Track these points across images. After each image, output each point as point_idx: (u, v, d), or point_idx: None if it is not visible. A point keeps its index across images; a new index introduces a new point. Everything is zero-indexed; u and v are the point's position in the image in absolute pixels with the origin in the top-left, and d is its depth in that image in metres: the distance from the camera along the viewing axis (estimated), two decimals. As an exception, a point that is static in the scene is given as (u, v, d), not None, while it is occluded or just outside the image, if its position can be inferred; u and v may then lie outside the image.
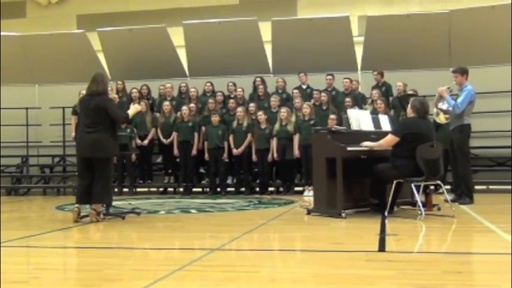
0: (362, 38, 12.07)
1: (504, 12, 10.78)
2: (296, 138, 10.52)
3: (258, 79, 11.76)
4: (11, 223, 7.15)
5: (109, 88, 7.33)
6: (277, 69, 12.29)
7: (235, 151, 10.84)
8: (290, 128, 10.61)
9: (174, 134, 11.20)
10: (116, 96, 7.49)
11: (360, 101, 11.04)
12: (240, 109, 10.94)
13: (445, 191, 7.26)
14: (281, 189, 10.96)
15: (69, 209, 6.76)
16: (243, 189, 10.99)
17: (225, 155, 10.92)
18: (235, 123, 10.95)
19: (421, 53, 11.46)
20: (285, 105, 11.10)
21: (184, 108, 11.15)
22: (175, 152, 11.20)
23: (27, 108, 12.84)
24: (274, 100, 11.19)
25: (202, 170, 11.60)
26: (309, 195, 9.81)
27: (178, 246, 5.43)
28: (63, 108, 12.55)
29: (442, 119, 8.41)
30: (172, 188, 11.69)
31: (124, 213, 7.32)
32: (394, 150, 6.78)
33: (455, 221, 6.47)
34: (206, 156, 11.01)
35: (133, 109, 7.24)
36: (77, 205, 6.78)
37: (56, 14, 17.91)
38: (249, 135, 10.85)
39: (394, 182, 6.66)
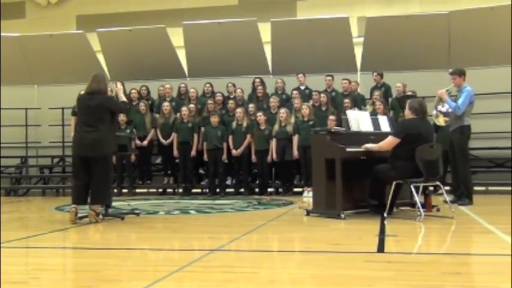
0: (361, 39, 12.08)
1: (503, 13, 10.79)
2: (295, 139, 10.52)
3: (257, 80, 11.76)
4: (10, 224, 7.14)
5: (109, 89, 7.31)
6: (277, 70, 12.30)
7: (234, 152, 10.85)
8: (289, 128, 10.62)
9: (174, 135, 11.19)
10: (120, 86, 7.39)
11: (359, 102, 11.05)
12: (239, 110, 10.94)
13: (444, 192, 7.26)
14: (280, 190, 10.96)
15: (68, 209, 6.73)
16: (242, 190, 10.99)
17: (225, 155, 10.92)
18: (234, 124, 10.95)
19: (421, 54, 11.46)
20: (285, 106, 11.11)
21: (184, 109, 11.15)
22: (175, 153, 11.20)
23: (26, 109, 12.84)
24: (273, 101, 11.19)
25: (201, 171, 11.60)
26: (308, 196, 9.80)
27: (178, 247, 5.43)
28: (63, 108, 12.55)
29: (441, 121, 8.42)
30: (172, 189, 11.69)
31: (123, 214, 7.31)
32: (394, 151, 6.78)
33: (454, 222, 6.47)
34: (205, 157, 11.00)
35: (120, 92, 7.17)
36: (74, 206, 6.72)
37: (55, 14, 17.90)
38: (248, 136, 10.85)
39: (394, 183, 6.67)
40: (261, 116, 10.76)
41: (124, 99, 7.10)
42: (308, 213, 7.17)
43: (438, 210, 7.20)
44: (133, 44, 12.44)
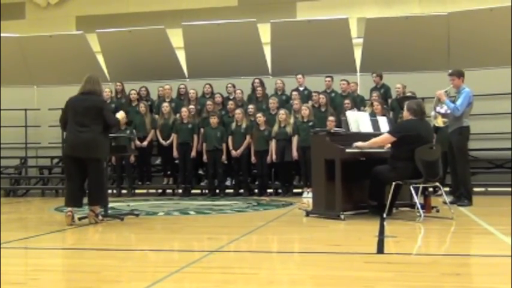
0: (361, 40, 12.09)
1: (503, 14, 10.80)
2: (295, 140, 10.53)
3: (257, 81, 11.76)
4: (9, 224, 7.14)
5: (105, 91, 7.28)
6: (276, 71, 12.30)
7: (234, 153, 10.85)
8: (289, 129, 10.62)
9: (174, 136, 11.19)
10: (123, 115, 7.31)
11: (358, 103, 11.05)
12: (238, 111, 10.95)
13: (443, 193, 7.26)
14: (280, 190, 10.96)
15: (67, 210, 6.72)
16: (241, 190, 11.00)
17: (224, 156, 10.92)
18: (234, 125, 10.95)
19: (420, 55, 11.47)
20: (284, 107, 11.11)
21: (184, 110, 11.15)
22: (175, 153, 11.19)
23: (26, 110, 12.83)
24: (272, 102, 11.20)
25: (201, 172, 11.60)
26: (307, 197, 9.81)
27: (177, 247, 5.43)
28: (62, 109, 12.52)
29: (440, 122, 8.44)
30: (171, 190, 11.69)
31: (122, 215, 7.30)
32: (393, 152, 6.79)
33: (454, 223, 6.47)
34: (205, 157, 11.00)
35: (120, 115, 7.10)
36: (69, 209, 6.66)
37: (55, 15, 17.90)
38: (248, 137, 10.86)
39: (393, 184, 6.66)
40: (260, 117, 10.76)
41: (119, 118, 6.99)
42: (307, 214, 7.17)
43: (438, 211, 7.21)
44: (133, 45, 12.44)
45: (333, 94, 11.44)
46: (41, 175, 13.08)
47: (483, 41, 11.05)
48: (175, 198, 10.91)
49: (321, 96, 11.00)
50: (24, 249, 5.37)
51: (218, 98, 11.68)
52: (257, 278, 3.89)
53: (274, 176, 11.21)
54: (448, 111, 8.17)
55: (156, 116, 11.63)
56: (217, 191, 11.01)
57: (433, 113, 8.35)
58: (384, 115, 9.27)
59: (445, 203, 7.28)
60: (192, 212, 8.19)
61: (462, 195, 8.21)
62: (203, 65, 12.32)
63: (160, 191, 11.95)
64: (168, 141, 11.27)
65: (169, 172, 11.69)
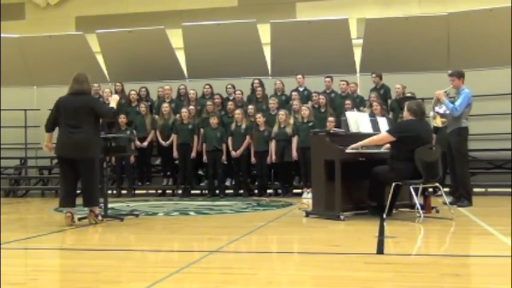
0: (361, 41, 12.09)
1: (502, 15, 10.81)
2: (294, 141, 10.53)
3: (256, 81, 11.76)
4: (9, 225, 7.13)
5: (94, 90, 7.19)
6: (276, 71, 12.30)
7: (233, 153, 10.85)
8: (288, 130, 10.62)
9: (174, 136, 11.19)
10: (117, 96, 7.18)
11: (358, 104, 11.05)
12: (238, 111, 10.95)
13: (443, 194, 7.27)
14: (280, 191, 10.97)
15: (66, 211, 6.71)
16: (241, 191, 11.00)
17: (224, 157, 10.92)
18: (233, 126, 10.95)
19: (420, 56, 11.47)
20: (284, 107, 11.11)
21: (184, 110, 11.15)
22: (175, 154, 11.19)
23: (25, 110, 12.83)
24: (272, 102, 11.20)
25: (200, 172, 11.60)
26: (307, 197, 9.81)
27: (177, 248, 5.43)
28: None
29: (438, 122, 8.44)
30: (171, 190, 11.69)
31: (122, 215, 7.31)
32: (393, 152, 6.79)
33: (453, 223, 6.47)
34: (205, 158, 11.00)
35: (113, 101, 6.98)
36: (69, 210, 6.64)
37: (54, 15, 17.90)
38: (248, 138, 10.86)
39: (393, 184, 6.66)
40: (260, 118, 10.77)
41: (114, 106, 6.88)
42: (307, 214, 7.18)
43: (437, 211, 7.21)
44: (132, 45, 12.44)
45: (332, 95, 11.45)
46: (40, 175, 13.08)
47: (483, 42, 11.05)
48: (175, 198, 10.91)
49: (321, 96, 11.00)
50: (23, 249, 5.37)
51: (218, 99, 11.69)
52: (257, 278, 3.89)
53: (273, 176, 11.22)
54: (447, 112, 8.17)
55: (156, 117, 11.63)
56: (217, 191, 11.01)
57: (431, 113, 8.35)
58: (383, 115, 9.28)
59: (444, 203, 7.28)
60: (191, 213, 8.18)
61: (462, 196, 8.21)
62: (203, 66, 12.32)
63: (160, 191, 11.95)
64: (168, 142, 11.28)
65: (169, 172, 11.69)
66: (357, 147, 6.84)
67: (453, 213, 6.82)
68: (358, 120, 7.35)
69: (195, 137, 11.10)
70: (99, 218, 6.82)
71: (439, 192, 8.11)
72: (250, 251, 5.22)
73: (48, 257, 5.01)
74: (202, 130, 11.13)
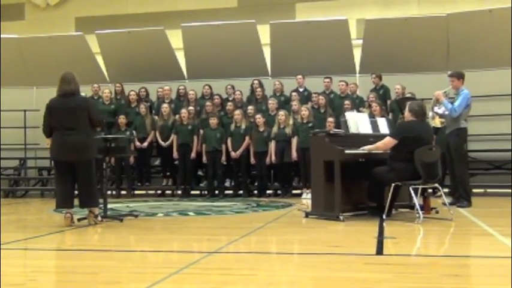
0: (360, 41, 12.10)
1: (502, 15, 10.81)
2: (294, 141, 10.52)
3: (256, 82, 11.76)
4: (8, 225, 7.12)
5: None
6: (276, 72, 12.30)
7: (233, 154, 10.84)
8: (288, 130, 10.62)
9: (173, 137, 11.19)
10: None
11: (357, 104, 11.05)
12: (238, 112, 10.95)
13: (443, 194, 7.26)
14: (279, 192, 10.96)
15: (66, 211, 6.71)
16: (241, 192, 11.00)
17: (223, 157, 10.92)
18: (233, 126, 10.95)
19: (419, 56, 11.47)
20: (284, 108, 11.11)
21: (184, 111, 11.14)
22: (175, 154, 11.19)
23: (25, 111, 12.82)
24: (272, 103, 11.20)
25: (200, 173, 11.60)
26: (307, 198, 9.80)
27: (176, 248, 5.43)
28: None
29: (437, 122, 8.45)
30: (170, 191, 11.69)
31: (122, 216, 7.30)
32: (392, 153, 6.79)
33: (453, 224, 6.47)
34: (204, 159, 11.00)
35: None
36: (68, 210, 6.62)
37: (54, 16, 17.90)
38: (247, 138, 10.86)
39: (392, 185, 6.66)
40: (259, 118, 10.77)
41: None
42: (307, 215, 7.17)
43: (437, 212, 7.21)
44: (132, 46, 12.44)
45: (332, 95, 11.45)
46: (40, 176, 13.07)
47: (482, 43, 11.05)
48: (174, 199, 10.91)
49: (320, 97, 11.00)
50: (23, 250, 5.37)
51: (217, 99, 11.69)
52: (256, 279, 3.89)
53: (273, 177, 11.22)
54: (446, 112, 8.17)
55: (156, 117, 11.63)
56: (217, 192, 11.01)
57: (430, 113, 8.35)
58: (382, 116, 9.28)
59: (444, 204, 7.28)
60: (191, 213, 8.18)
61: (461, 197, 8.21)
62: (202, 66, 12.32)
63: (159, 192, 11.95)
64: (168, 142, 11.27)
65: (168, 173, 11.69)
66: (368, 150, 6.84)
67: (453, 213, 6.82)
68: (357, 121, 7.35)
69: (195, 138, 11.09)
70: (99, 218, 6.82)
71: (439, 193, 8.11)
72: (250, 251, 5.22)
73: (47, 257, 5.01)
74: (201, 131, 11.13)
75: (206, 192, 11.23)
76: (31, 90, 13.28)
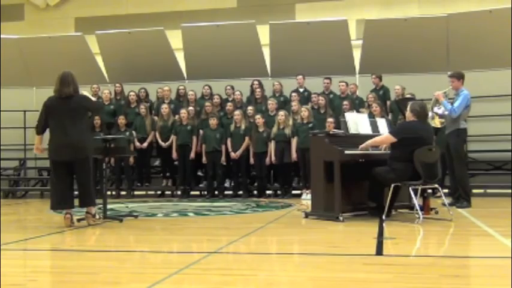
0: (360, 42, 12.09)
1: (502, 16, 10.81)
2: (294, 142, 10.52)
3: (256, 82, 11.76)
4: (8, 226, 7.13)
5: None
6: (276, 72, 12.30)
7: (233, 154, 10.84)
8: (288, 131, 10.62)
9: (173, 137, 11.18)
10: None
11: (357, 105, 11.05)
12: (237, 112, 10.94)
13: (442, 195, 7.26)
14: (279, 192, 10.96)
15: (65, 212, 6.70)
16: (240, 192, 11.00)
17: (223, 158, 10.91)
18: (232, 127, 10.95)
19: (419, 57, 11.47)
20: (283, 108, 11.11)
21: (183, 111, 11.14)
22: (174, 155, 11.18)
23: (25, 111, 12.81)
24: (271, 103, 11.20)
25: (200, 173, 11.59)
26: (306, 198, 9.79)
27: (176, 249, 5.43)
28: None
29: (437, 123, 8.45)
30: (170, 191, 11.68)
31: (121, 216, 7.31)
32: (392, 153, 6.79)
33: (453, 224, 6.47)
34: (204, 159, 11.00)
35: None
36: (68, 211, 6.62)
37: (54, 16, 17.89)
38: (247, 139, 10.86)
39: (392, 185, 6.66)
40: (259, 119, 10.77)
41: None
42: (306, 215, 7.17)
43: (437, 212, 7.21)
44: (132, 46, 12.44)
45: (331, 96, 11.45)
46: (40, 176, 13.06)
47: (482, 43, 11.05)
48: (174, 199, 10.91)
49: (320, 97, 11.00)
50: (23, 250, 5.37)
51: (217, 100, 11.68)
52: (256, 279, 3.89)
53: (273, 177, 11.22)
54: (446, 113, 8.17)
55: (155, 118, 11.63)
56: (216, 192, 11.00)
57: (430, 114, 8.34)
58: (382, 117, 9.28)
59: (444, 204, 7.28)
60: (191, 214, 8.18)
61: (461, 197, 8.21)
62: (202, 67, 12.32)
63: (159, 192, 11.94)
64: (168, 143, 11.27)
65: (168, 174, 11.68)
66: (366, 147, 6.84)
67: (452, 214, 6.82)
68: (357, 122, 7.36)
69: (194, 138, 11.09)
70: (97, 217, 6.82)
71: (438, 194, 8.11)
72: (250, 252, 5.22)
73: (47, 258, 5.02)
74: (201, 131, 11.12)
75: (206, 192, 11.22)
76: (31, 91, 13.27)
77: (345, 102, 10.68)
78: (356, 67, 12.03)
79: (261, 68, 12.25)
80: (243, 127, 10.89)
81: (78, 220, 6.78)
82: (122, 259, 4.77)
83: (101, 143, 7.46)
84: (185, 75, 12.75)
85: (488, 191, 11.07)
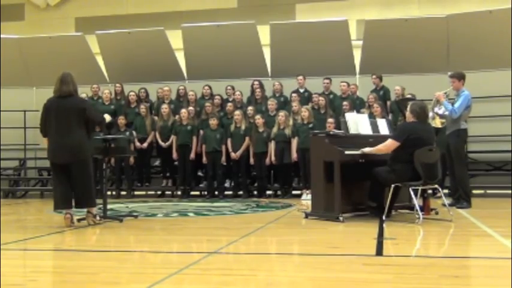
0: (360, 42, 12.08)
1: (502, 16, 10.81)
2: (294, 142, 10.52)
3: (256, 82, 11.76)
4: (8, 226, 7.12)
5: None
6: (276, 72, 12.30)
7: (233, 155, 10.84)
8: (288, 131, 10.62)
9: (173, 138, 11.18)
10: (108, 117, 7.25)
11: (358, 105, 11.04)
12: (237, 112, 10.94)
13: (442, 195, 7.27)
14: (279, 192, 10.96)
15: (65, 212, 6.70)
16: (240, 192, 10.99)
17: (223, 158, 10.91)
18: (232, 127, 10.95)
19: (420, 57, 11.46)
20: (283, 108, 11.11)
21: (183, 111, 11.14)
22: (174, 155, 11.18)
23: (25, 111, 12.82)
24: (271, 104, 11.20)
25: (200, 174, 11.60)
26: (306, 198, 9.79)
27: (176, 249, 5.42)
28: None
29: (437, 123, 8.44)
30: (170, 191, 11.68)
31: (121, 216, 7.31)
32: (393, 154, 6.78)
33: (453, 225, 6.47)
34: (204, 159, 11.00)
35: (107, 117, 7.01)
36: (68, 211, 6.62)
37: (54, 16, 17.90)
38: (247, 139, 10.86)
39: (392, 185, 6.66)
40: (259, 119, 10.76)
41: (107, 119, 6.90)
42: (307, 215, 7.17)
43: (437, 213, 7.20)
44: (132, 46, 12.44)
45: (331, 96, 11.45)
46: (40, 176, 13.06)
47: (482, 43, 11.05)
48: (174, 199, 10.90)
49: (320, 98, 11.00)
50: (22, 250, 5.37)
51: (217, 100, 11.68)
52: (256, 279, 3.89)
53: (273, 177, 11.21)
54: (446, 113, 8.17)
55: (156, 118, 11.63)
56: (216, 192, 11.00)
57: (431, 114, 8.34)
58: (383, 117, 9.27)
59: (444, 205, 7.28)
60: (191, 214, 8.18)
61: (461, 198, 8.21)
62: (202, 67, 12.32)
63: (159, 192, 11.94)
64: (168, 143, 11.27)
65: (168, 174, 11.68)
66: (368, 153, 6.83)
67: (452, 214, 6.82)
68: (357, 122, 7.35)
69: (194, 138, 11.09)
70: (97, 218, 6.82)
71: (439, 194, 8.11)
72: (250, 252, 5.22)
73: (47, 258, 5.01)
74: (201, 131, 11.12)
75: (206, 192, 11.22)
76: (31, 91, 13.27)
77: (345, 103, 10.68)
78: (356, 67, 12.03)
79: (261, 68, 12.25)
80: (243, 127, 10.89)
81: (79, 220, 6.79)
82: (122, 259, 4.77)
83: (101, 143, 7.46)
84: (185, 75, 12.75)
85: (488, 191, 11.07)
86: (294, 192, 10.83)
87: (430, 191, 7.66)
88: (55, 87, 6.66)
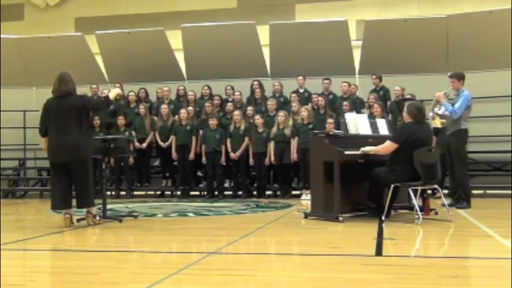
0: (360, 42, 12.09)
1: (502, 17, 10.81)
2: (294, 142, 10.52)
3: (255, 83, 11.75)
4: (7, 226, 7.12)
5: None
6: (275, 72, 12.29)
7: (232, 155, 10.84)
8: (287, 131, 10.62)
9: (172, 138, 11.18)
10: (118, 90, 7.08)
11: (357, 105, 11.05)
12: (237, 112, 10.94)
13: (442, 196, 7.27)
14: (279, 192, 10.96)
15: (65, 212, 6.70)
16: (240, 192, 10.99)
17: (223, 158, 10.91)
18: (232, 127, 10.94)
19: (419, 58, 11.47)
20: (283, 108, 11.11)
21: (183, 111, 11.14)
22: (174, 155, 11.18)
23: (24, 111, 12.81)
24: (271, 104, 11.20)
25: (199, 174, 11.60)
26: (306, 199, 9.80)
27: (176, 249, 5.43)
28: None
29: (437, 123, 8.44)
30: (170, 192, 11.68)
31: (121, 216, 7.30)
32: (392, 154, 6.78)
33: (452, 225, 6.47)
34: (204, 159, 11.00)
35: (113, 92, 6.86)
36: (68, 211, 6.62)
37: (54, 16, 17.90)
38: (247, 139, 10.85)
39: (392, 186, 6.66)
40: (259, 119, 10.76)
41: (111, 96, 6.70)
42: (306, 216, 7.17)
43: (436, 213, 7.21)
44: (132, 47, 12.43)
45: (331, 96, 11.45)
46: (39, 176, 13.06)
47: (482, 44, 11.04)
48: (174, 199, 10.90)
49: (320, 98, 11.00)
50: (22, 250, 5.37)
51: (217, 100, 11.68)
52: (255, 279, 3.89)
53: (272, 177, 11.21)
54: (446, 113, 8.17)
55: (155, 118, 11.62)
56: (216, 192, 11.00)
57: (431, 114, 8.35)
58: (383, 117, 9.27)
59: (443, 205, 7.28)
60: (190, 214, 8.18)
61: (461, 198, 8.21)
62: (202, 67, 12.32)
63: (159, 192, 11.94)
64: (167, 143, 11.26)
65: (168, 174, 11.68)
66: (366, 152, 6.83)
67: (452, 215, 6.82)
68: (357, 122, 7.35)
69: (194, 138, 11.09)
70: (97, 218, 6.82)
71: (438, 194, 8.11)
72: (249, 252, 5.22)
73: (46, 258, 5.02)
74: (201, 131, 11.12)
75: (205, 193, 11.22)
76: (31, 91, 13.27)
77: (345, 103, 10.68)
78: (356, 67, 12.03)
79: (261, 69, 12.24)
80: (242, 127, 10.89)
81: (78, 220, 6.79)
82: (122, 259, 4.77)
83: (100, 143, 7.45)
84: (185, 75, 12.75)
85: (488, 191, 11.08)
86: (293, 192, 10.82)
87: (429, 191, 7.66)
88: (54, 87, 6.66)
